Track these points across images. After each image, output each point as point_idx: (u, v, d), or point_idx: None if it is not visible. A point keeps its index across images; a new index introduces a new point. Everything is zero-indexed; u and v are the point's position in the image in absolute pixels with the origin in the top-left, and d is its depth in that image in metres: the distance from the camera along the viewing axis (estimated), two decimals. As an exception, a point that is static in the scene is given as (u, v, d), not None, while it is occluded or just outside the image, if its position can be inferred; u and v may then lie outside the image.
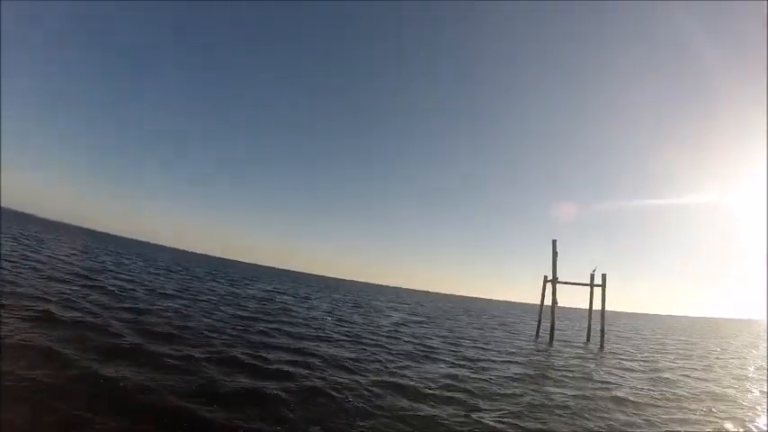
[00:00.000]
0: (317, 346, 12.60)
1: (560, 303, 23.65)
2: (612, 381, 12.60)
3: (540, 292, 26.36)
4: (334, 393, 7.82)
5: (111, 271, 25.20)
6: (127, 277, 23.15)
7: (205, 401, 6.55)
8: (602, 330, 22.54)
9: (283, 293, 35.18)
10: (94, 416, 5.42)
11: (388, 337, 17.06)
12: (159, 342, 9.81)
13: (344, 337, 15.12)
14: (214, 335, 11.80)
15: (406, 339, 16.93)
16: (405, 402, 8.01)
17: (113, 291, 16.62)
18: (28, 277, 15.45)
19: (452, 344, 17.47)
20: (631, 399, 10.17)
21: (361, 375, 9.64)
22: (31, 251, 25.84)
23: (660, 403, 10.11)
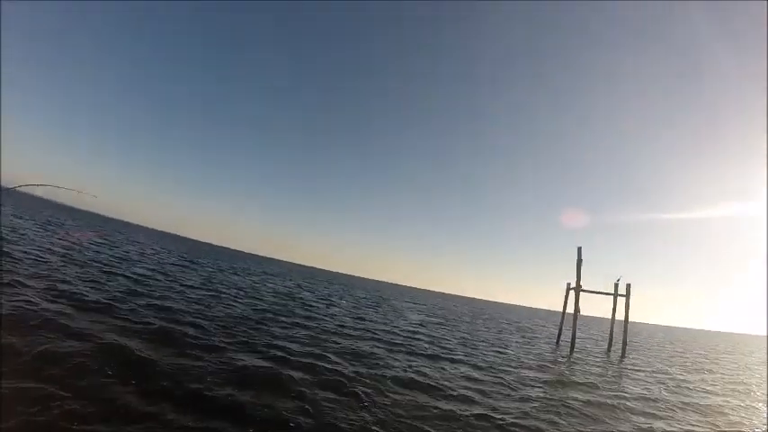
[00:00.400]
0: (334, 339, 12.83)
1: (582, 312, 23.24)
2: (630, 389, 12.50)
3: (563, 299, 26.07)
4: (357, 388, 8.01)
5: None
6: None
7: (232, 387, 6.82)
8: (624, 341, 22.01)
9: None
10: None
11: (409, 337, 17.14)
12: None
13: (359, 332, 15.32)
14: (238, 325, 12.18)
15: (427, 341, 16.98)
16: (423, 398, 8.17)
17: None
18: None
19: (471, 347, 17.43)
20: (649, 410, 10.16)
21: (377, 370, 9.87)
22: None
23: (676, 412, 10.46)
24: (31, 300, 9.28)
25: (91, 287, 12.68)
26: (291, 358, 9.34)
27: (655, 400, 11.45)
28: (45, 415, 4.73)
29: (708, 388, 15.12)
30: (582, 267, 23.44)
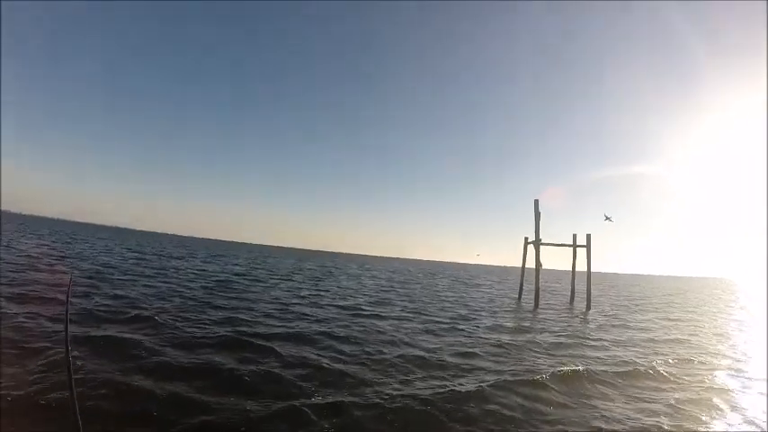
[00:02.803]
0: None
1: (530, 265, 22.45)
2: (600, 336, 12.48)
3: (522, 254, 25.28)
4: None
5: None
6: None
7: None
8: (588, 292, 21.50)
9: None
10: None
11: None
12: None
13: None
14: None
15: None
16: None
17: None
18: None
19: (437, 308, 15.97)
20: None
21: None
22: None
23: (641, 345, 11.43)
24: None
25: None
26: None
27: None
28: None
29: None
30: (540, 222, 22.59)
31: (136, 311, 10.07)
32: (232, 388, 5.84)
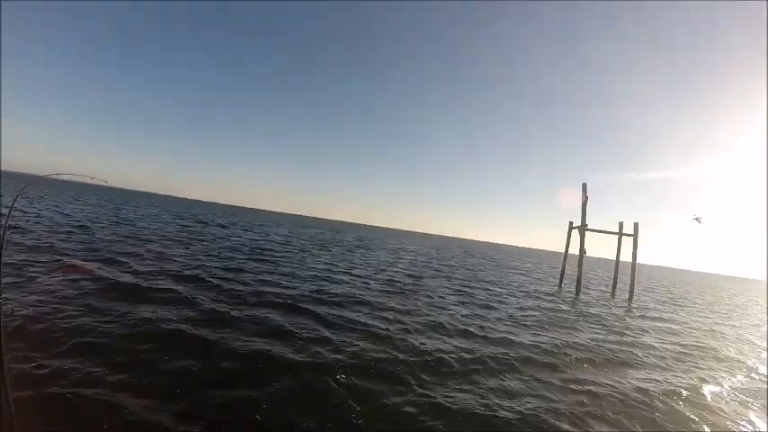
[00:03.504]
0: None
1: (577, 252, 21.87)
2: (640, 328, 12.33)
3: (566, 238, 24.77)
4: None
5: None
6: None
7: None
8: (632, 282, 20.89)
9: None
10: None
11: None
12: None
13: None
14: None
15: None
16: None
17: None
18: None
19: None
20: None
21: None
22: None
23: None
24: None
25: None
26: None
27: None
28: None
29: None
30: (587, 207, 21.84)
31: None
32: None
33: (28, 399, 3.95)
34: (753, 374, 8.76)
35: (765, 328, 16.56)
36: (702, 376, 7.96)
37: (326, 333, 7.35)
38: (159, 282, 9.63)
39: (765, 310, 25.75)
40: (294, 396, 4.81)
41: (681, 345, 10.82)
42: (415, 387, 5.54)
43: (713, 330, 14.06)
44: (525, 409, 5.32)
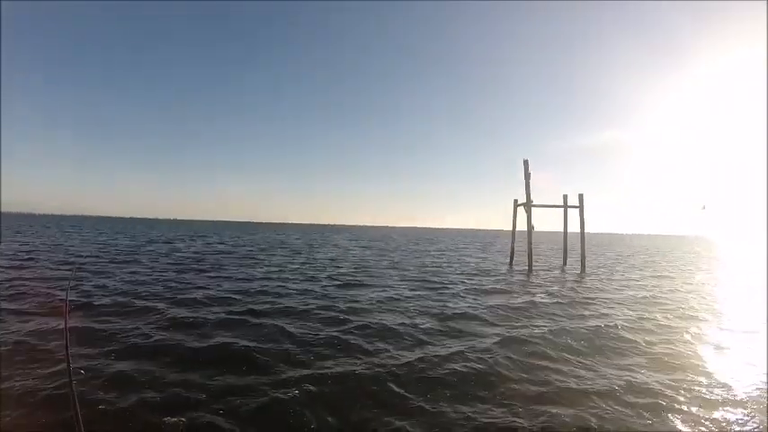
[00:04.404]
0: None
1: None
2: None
3: (512, 217, 24.38)
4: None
5: None
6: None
7: None
8: (583, 253, 20.93)
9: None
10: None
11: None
12: None
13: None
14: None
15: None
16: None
17: None
18: None
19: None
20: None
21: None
22: None
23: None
24: None
25: None
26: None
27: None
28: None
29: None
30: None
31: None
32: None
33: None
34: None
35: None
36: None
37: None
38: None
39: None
40: None
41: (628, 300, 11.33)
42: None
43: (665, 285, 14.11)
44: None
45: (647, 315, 9.83)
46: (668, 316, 9.94)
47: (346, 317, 8.69)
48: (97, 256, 19.91)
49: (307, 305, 9.77)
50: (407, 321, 8.51)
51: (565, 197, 22.90)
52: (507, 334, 7.67)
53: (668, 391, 5.18)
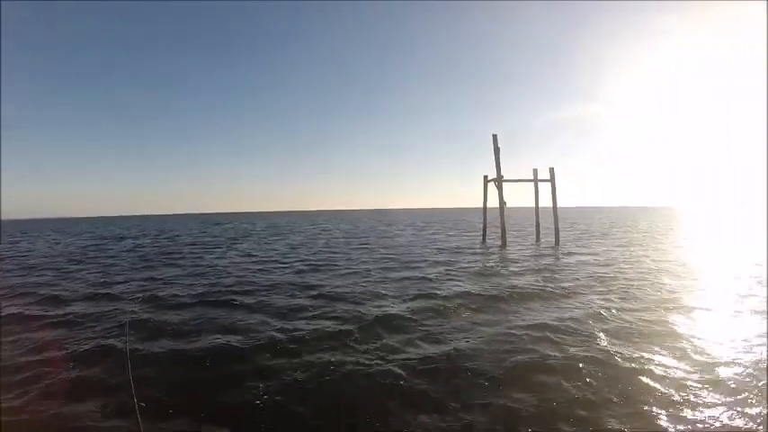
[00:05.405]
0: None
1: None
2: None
3: (483, 193, 23.67)
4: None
5: None
6: None
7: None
8: (556, 227, 20.55)
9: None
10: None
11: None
12: None
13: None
14: None
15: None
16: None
17: None
18: None
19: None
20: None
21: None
22: None
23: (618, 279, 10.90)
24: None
25: None
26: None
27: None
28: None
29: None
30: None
31: None
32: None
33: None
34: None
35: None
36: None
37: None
38: None
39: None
40: None
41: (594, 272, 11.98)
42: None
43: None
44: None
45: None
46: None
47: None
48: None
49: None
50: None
51: (535, 171, 22.31)
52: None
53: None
